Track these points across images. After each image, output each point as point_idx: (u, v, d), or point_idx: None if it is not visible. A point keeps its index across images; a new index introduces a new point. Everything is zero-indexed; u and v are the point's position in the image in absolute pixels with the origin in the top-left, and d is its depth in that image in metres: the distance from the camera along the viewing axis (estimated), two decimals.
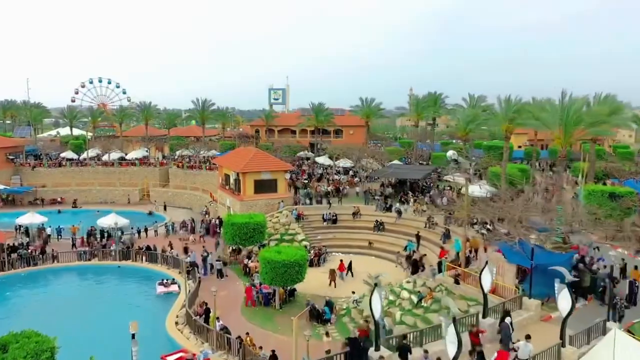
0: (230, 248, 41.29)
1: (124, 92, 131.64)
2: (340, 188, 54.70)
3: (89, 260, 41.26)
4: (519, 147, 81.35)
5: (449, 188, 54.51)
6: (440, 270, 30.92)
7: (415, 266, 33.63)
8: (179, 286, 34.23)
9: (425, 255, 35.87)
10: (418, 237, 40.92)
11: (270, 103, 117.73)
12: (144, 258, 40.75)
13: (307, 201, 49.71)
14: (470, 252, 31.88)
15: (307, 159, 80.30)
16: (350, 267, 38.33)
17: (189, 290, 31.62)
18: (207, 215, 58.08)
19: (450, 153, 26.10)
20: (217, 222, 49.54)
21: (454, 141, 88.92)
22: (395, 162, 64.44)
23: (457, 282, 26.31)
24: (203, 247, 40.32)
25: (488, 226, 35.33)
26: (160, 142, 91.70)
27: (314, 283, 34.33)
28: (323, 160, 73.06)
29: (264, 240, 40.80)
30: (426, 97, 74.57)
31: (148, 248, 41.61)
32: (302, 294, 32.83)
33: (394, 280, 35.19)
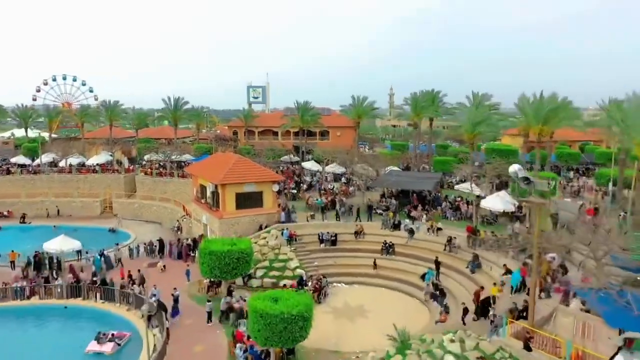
0: (207, 281, 33.17)
1: (91, 91, 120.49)
2: (336, 200, 46.99)
3: (28, 298, 32.67)
4: (529, 150, 74.91)
5: (459, 199, 47.42)
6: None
7: (466, 312, 26.03)
8: (118, 344, 26.12)
9: (490, 298, 26.70)
10: (437, 263, 33.51)
11: (249, 102, 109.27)
12: (97, 295, 32.31)
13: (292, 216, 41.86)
14: (542, 290, 24.26)
15: (293, 163, 72.39)
16: None
17: (152, 350, 23.55)
18: (179, 232, 49.76)
19: (516, 168, 18.86)
20: (192, 243, 41.34)
21: (452, 144, 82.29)
22: (393, 168, 57.09)
23: (528, 347, 18.85)
24: (175, 289, 31.88)
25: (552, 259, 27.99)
26: (127, 145, 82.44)
27: (316, 330, 26.47)
28: (310, 165, 65.25)
29: (249, 270, 32.84)
30: (424, 95, 67.36)
31: (104, 281, 33.19)
32: (303, 349, 25.06)
33: (422, 326, 27.74)
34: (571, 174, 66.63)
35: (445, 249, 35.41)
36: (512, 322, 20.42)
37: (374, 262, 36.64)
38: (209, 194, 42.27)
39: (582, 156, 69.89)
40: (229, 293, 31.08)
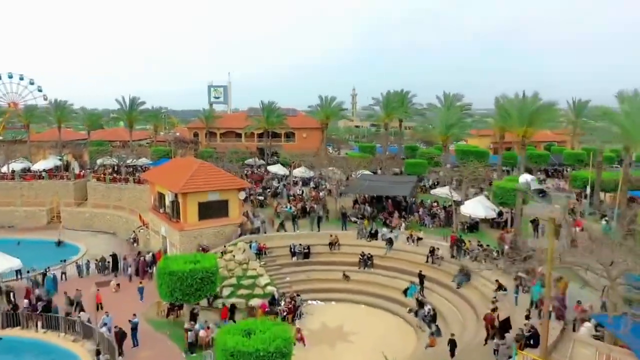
0: (166, 304, 29.52)
1: (40, 90, 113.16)
2: (307, 207, 43.98)
3: None
4: (496, 151, 73.95)
5: (435, 204, 45.28)
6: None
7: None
8: None
9: (509, 319, 23.02)
10: (421, 277, 31.00)
11: (210, 102, 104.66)
12: (39, 324, 28.10)
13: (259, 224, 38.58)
14: (559, 316, 21.59)
15: (258, 167, 68.86)
16: None
17: None
18: (135, 244, 45.58)
19: (528, 178, 16.31)
20: (151, 258, 37.45)
21: (421, 145, 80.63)
22: (365, 171, 54.50)
23: None
24: (134, 315, 28.15)
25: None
26: (79, 148, 76.76)
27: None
28: (277, 169, 61.94)
29: (215, 290, 29.40)
30: (394, 96, 65.18)
31: (47, 306, 28.99)
32: None
33: (409, 351, 25.11)
34: (541, 175, 65.96)
35: (427, 261, 32.97)
36: (522, 353, 17.93)
37: (344, 274, 33.94)
38: (168, 203, 38.45)
39: (551, 157, 69.42)
40: (193, 317, 27.60)
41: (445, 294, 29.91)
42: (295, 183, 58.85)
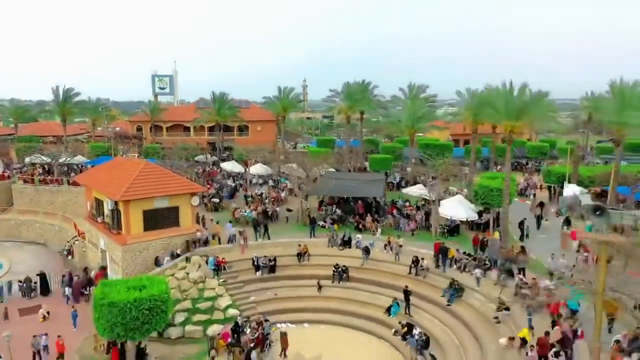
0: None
1: None
2: (268, 210, 39.44)
3: None
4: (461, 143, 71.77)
5: (407, 204, 41.85)
6: None
7: None
8: None
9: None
10: (407, 293, 27.23)
11: (155, 93, 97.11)
12: None
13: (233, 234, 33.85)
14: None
15: (211, 164, 63.34)
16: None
17: None
18: (69, 257, 39.60)
19: (577, 192, 12.09)
20: (87, 277, 31.88)
21: (382, 139, 77.36)
22: (330, 169, 50.34)
23: None
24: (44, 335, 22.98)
25: None
26: (4, 144, 68.39)
27: None
28: (232, 166, 56.70)
29: (166, 321, 24.42)
30: (353, 86, 61.05)
31: None
32: None
33: None
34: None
35: (410, 272, 29.28)
36: None
37: (318, 284, 29.89)
38: (107, 211, 32.86)
39: (515, 150, 67.78)
40: (141, 356, 22.65)
41: (435, 312, 26.32)
42: (252, 182, 53.99)
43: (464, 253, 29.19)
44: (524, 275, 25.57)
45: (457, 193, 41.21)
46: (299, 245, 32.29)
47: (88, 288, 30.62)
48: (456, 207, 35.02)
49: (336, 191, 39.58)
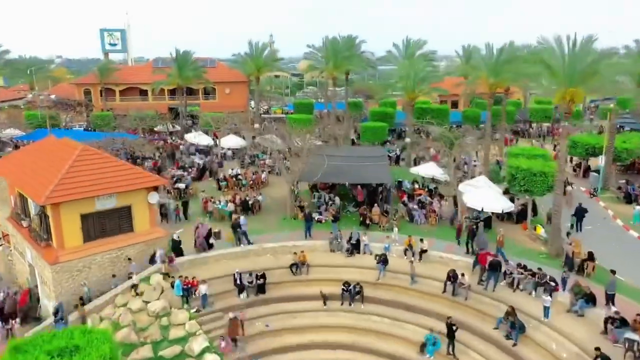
0: None
1: None
2: (249, 200, 31.46)
3: None
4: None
5: (415, 186, 34.61)
6: None
7: None
8: None
9: None
10: (451, 327, 20.07)
11: (105, 50, 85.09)
12: None
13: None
14: None
15: (171, 134, 54.33)
16: None
17: None
18: None
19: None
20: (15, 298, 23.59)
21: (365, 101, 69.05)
22: (317, 142, 42.20)
23: None
24: None
25: None
26: None
27: None
28: (199, 138, 47.84)
29: None
30: (336, 42, 52.28)
31: None
32: None
33: None
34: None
35: (445, 291, 22.24)
36: None
37: (324, 303, 22.74)
38: (33, 214, 24.26)
39: (517, 114, 61.17)
40: None
41: (488, 353, 19.43)
42: (225, 156, 45.54)
43: (520, 266, 22.14)
44: (612, 302, 18.87)
45: (480, 174, 34.00)
46: (294, 252, 24.68)
47: (17, 317, 22.46)
48: (487, 195, 27.95)
49: (333, 176, 31.46)
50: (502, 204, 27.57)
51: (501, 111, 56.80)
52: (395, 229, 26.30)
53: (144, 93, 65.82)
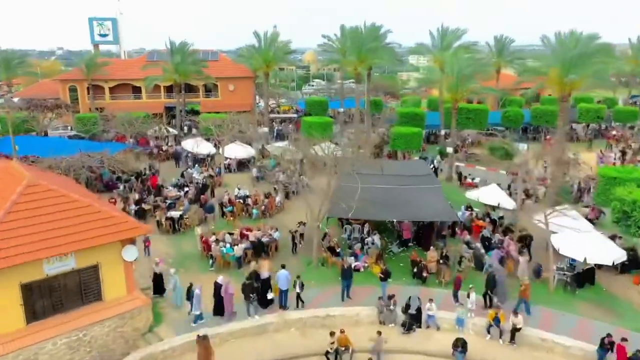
0: None
1: None
2: (264, 240, 24.12)
3: None
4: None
5: (472, 214, 27.21)
6: None
7: None
8: None
9: None
10: None
11: (94, 42, 77.29)
12: None
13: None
14: None
15: (166, 137, 47.04)
16: None
17: None
18: None
19: None
20: None
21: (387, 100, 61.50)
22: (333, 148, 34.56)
23: None
24: None
25: None
26: None
27: None
28: (195, 145, 40.27)
29: None
30: (358, 32, 44.57)
31: None
32: None
33: None
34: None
35: None
36: None
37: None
38: None
39: (607, 114, 53.59)
40: None
41: None
42: (229, 168, 38.23)
43: None
44: None
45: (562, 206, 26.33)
46: (331, 332, 17.26)
47: None
48: (585, 241, 20.55)
49: (372, 208, 23.31)
50: (613, 253, 20.18)
51: (548, 111, 49.74)
52: (473, 294, 18.78)
53: (137, 90, 58.32)
